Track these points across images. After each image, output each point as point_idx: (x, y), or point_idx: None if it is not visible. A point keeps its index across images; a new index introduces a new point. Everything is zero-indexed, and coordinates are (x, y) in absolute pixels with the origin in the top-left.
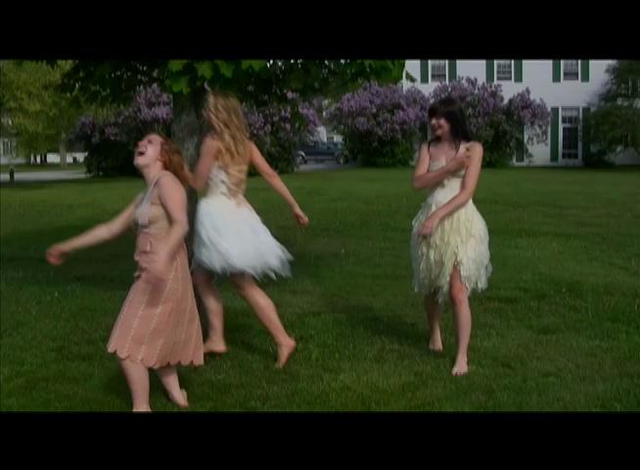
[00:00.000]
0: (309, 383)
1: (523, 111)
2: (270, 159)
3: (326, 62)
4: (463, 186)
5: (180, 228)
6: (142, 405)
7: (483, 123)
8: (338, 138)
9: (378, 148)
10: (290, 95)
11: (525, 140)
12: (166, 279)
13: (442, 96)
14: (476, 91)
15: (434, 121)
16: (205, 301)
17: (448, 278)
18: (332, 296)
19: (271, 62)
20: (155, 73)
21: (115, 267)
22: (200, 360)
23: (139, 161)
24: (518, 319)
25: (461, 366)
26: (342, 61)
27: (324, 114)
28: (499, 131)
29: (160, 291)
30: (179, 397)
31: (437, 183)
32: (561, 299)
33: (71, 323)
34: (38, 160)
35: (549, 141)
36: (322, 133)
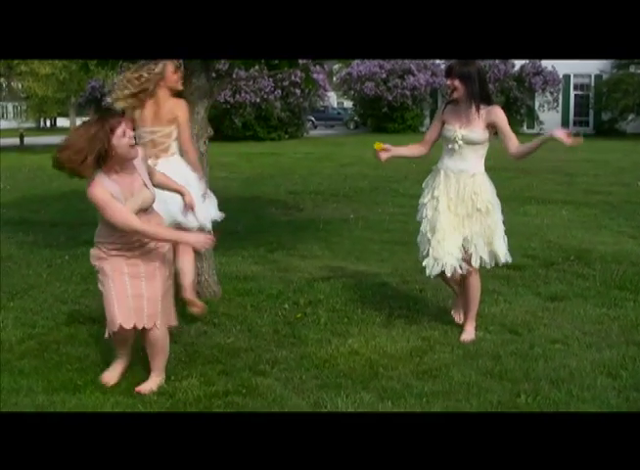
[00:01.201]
0: (318, 347)
1: (534, 77)
2: (280, 123)
3: None
4: (509, 139)
5: None
6: (163, 372)
7: (494, 90)
8: (348, 103)
9: (388, 113)
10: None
11: (537, 107)
12: None
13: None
14: None
15: (448, 82)
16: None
17: (460, 253)
18: (341, 261)
19: None
20: None
21: None
22: None
23: (136, 154)
24: (526, 286)
25: (469, 333)
26: None
27: (334, 78)
28: (510, 98)
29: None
30: None
31: (449, 150)
32: (569, 266)
33: (82, 286)
34: (48, 124)
35: (560, 108)
36: (332, 98)
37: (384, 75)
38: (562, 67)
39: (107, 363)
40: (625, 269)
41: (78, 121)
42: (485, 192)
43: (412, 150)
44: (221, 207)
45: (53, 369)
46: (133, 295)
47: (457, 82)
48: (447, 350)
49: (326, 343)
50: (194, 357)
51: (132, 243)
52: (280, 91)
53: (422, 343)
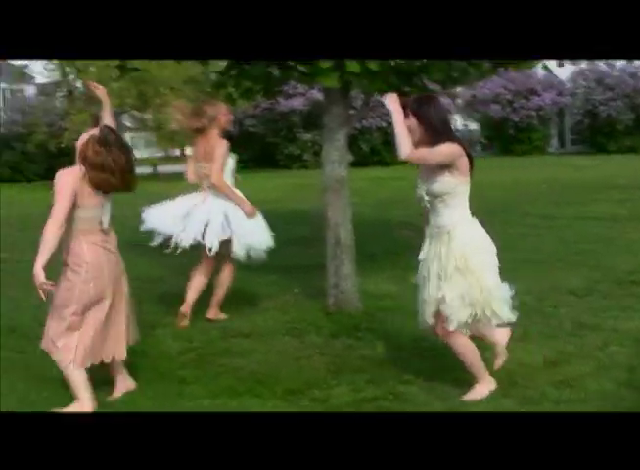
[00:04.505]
0: (457, 359)
1: None
2: None
3: None
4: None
5: None
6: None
7: (623, 106)
8: (473, 125)
9: (514, 135)
10: (429, 85)
11: None
12: None
13: (580, 80)
14: (615, 73)
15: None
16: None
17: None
18: None
19: None
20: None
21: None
22: None
23: None
24: None
25: (475, 393)
26: None
27: (458, 100)
28: None
29: None
30: None
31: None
32: None
33: (233, 305)
34: (178, 152)
35: None
36: (457, 121)
37: (509, 96)
38: None
39: (262, 373)
40: None
41: None
42: (465, 247)
43: None
44: (355, 231)
45: (212, 378)
46: None
47: (413, 121)
48: (582, 362)
49: None
50: (342, 368)
51: None
52: None
53: (557, 355)
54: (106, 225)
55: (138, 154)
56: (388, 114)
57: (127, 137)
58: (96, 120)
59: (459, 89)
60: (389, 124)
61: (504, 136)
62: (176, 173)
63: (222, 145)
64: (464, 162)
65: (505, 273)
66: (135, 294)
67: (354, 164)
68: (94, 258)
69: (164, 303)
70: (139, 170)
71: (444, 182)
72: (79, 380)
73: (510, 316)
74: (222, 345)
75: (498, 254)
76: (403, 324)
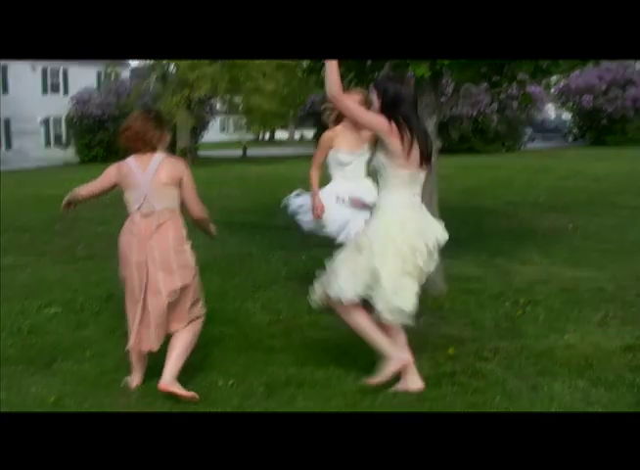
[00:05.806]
0: (536, 340)
1: None
2: (497, 136)
3: None
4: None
5: None
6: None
7: None
8: (566, 115)
9: (607, 125)
10: (519, 75)
11: None
12: None
13: None
14: None
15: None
16: None
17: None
18: (559, 267)
19: None
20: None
21: None
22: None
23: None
24: None
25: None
26: None
27: (552, 90)
28: None
29: None
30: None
31: None
32: None
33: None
34: (267, 136)
35: None
36: (550, 110)
37: (603, 87)
38: None
39: (347, 345)
40: None
41: (297, 134)
42: (376, 228)
43: None
44: (442, 215)
45: (299, 348)
46: None
47: (374, 96)
48: None
49: (544, 337)
50: (423, 344)
51: None
52: (497, 104)
53: (636, 341)
54: (134, 208)
55: (227, 137)
56: (478, 102)
57: (218, 120)
58: (188, 103)
59: (553, 78)
60: (480, 113)
61: (597, 126)
62: (266, 157)
63: (326, 133)
64: (396, 145)
65: (590, 262)
66: (227, 269)
67: (443, 152)
68: (121, 241)
69: (254, 277)
70: (229, 153)
71: (377, 159)
72: (133, 357)
73: (390, 317)
74: (309, 318)
75: (584, 243)
76: (486, 306)
